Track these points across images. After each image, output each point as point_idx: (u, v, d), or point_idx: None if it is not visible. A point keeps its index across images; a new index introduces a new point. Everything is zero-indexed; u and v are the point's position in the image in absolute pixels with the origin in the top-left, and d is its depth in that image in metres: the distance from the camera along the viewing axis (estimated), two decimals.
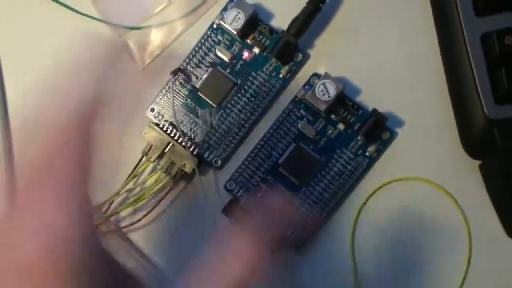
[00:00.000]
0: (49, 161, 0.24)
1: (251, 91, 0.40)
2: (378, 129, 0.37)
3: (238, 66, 0.40)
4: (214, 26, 0.40)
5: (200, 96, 0.40)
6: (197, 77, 0.40)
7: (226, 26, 0.39)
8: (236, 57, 0.40)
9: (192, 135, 0.40)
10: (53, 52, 0.42)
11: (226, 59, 0.40)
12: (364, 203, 0.38)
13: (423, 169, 0.38)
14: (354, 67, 0.39)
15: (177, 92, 0.40)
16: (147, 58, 0.42)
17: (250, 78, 0.40)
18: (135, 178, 0.40)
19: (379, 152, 0.38)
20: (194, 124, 0.40)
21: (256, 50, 0.40)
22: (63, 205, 0.23)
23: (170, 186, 0.40)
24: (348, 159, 0.38)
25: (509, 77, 0.33)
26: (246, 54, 0.40)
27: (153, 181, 0.40)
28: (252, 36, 0.40)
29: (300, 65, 0.40)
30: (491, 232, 0.37)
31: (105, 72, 0.28)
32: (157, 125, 0.40)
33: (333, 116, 0.38)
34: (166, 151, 0.40)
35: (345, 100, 0.38)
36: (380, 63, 0.39)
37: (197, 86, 0.40)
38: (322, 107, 0.37)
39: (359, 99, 0.39)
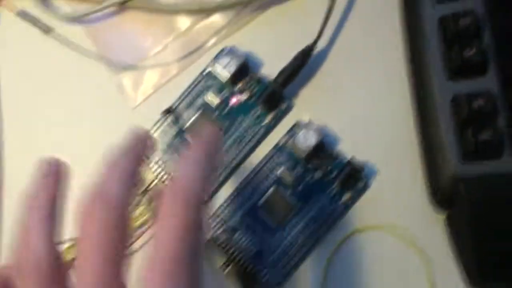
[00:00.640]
0: None
1: (236, 134, 0.41)
2: (353, 178, 0.39)
3: (226, 110, 0.42)
4: (206, 71, 0.42)
5: (188, 137, 0.42)
6: (186, 119, 0.42)
7: (218, 72, 0.41)
8: (225, 101, 0.42)
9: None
10: (49, 86, 0.44)
11: (215, 103, 0.42)
12: (336, 249, 0.39)
13: (394, 218, 0.39)
14: (335, 118, 0.41)
15: (166, 132, 0.42)
16: (139, 97, 0.44)
17: (236, 122, 0.41)
18: None
19: (353, 200, 0.39)
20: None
21: (244, 96, 0.42)
22: None
23: (152, 221, 0.41)
24: (324, 205, 0.39)
25: (475, 137, 0.35)
26: (234, 100, 0.42)
27: (136, 215, 0.41)
28: (241, 83, 0.42)
29: (284, 113, 0.41)
30: (454, 283, 0.37)
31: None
32: None
33: (312, 163, 0.40)
34: (151, 187, 0.41)
35: (324, 149, 0.40)
36: (359, 116, 0.41)
37: (186, 127, 0.42)
38: (302, 154, 0.39)
39: (338, 148, 0.40)
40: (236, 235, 0.40)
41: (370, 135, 0.41)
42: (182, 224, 0.26)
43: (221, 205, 0.40)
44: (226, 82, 0.42)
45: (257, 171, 0.41)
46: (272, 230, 0.40)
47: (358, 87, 0.42)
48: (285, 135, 0.41)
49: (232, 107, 0.42)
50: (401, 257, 0.39)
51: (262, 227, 0.40)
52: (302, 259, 0.39)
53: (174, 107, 0.42)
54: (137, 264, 0.40)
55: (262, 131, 0.41)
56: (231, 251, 0.40)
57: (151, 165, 0.41)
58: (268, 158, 0.41)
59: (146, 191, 0.41)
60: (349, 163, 0.39)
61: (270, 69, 0.42)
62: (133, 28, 0.45)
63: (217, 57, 0.42)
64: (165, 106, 0.42)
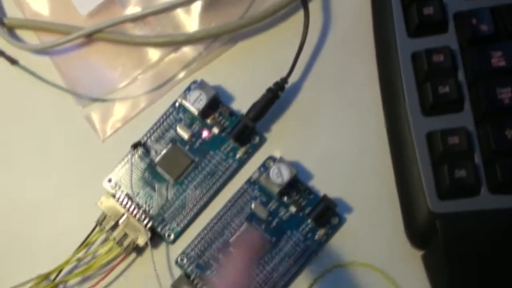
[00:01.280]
0: None
1: (208, 169, 0.41)
2: (327, 214, 0.38)
3: (197, 144, 0.41)
4: (177, 104, 0.42)
5: (158, 171, 0.41)
6: (156, 152, 0.41)
7: (188, 105, 0.41)
8: (196, 135, 0.41)
9: (147, 208, 0.40)
10: (15, 117, 0.43)
11: (186, 136, 0.41)
12: (312, 286, 0.39)
13: (369, 255, 0.38)
14: (308, 153, 0.41)
15: (136, 165, 0.41)
16: (108, 130, 0.43)
17: (208, 156, 0.41)
18: (87, 247, 0.40)
19: (328, 236, 0.39)
20: (150, 197, 0.41)
21: (215, 130, 0.41)
22: None
23: (121, 257, 0.40)
24: (298, 241, 0.39)
25: (451, 174, 0.35)
26: (205, 134, 0.41)
27: (104, 251, 0.40)
28: (212, 116, 0.41)
29: (256, 147, 0.41)
30: None
31: None
32: (114, 196, 0.41)
33: (285, 198, 0.39)
34: (120, 222, 0.40)
35: (297, 184, 0.39)
36: (333, 151, 0.41)
37: (156, 161, 0.41)
38: (276, 189, 0.39)
39: (311, 183, 0.40)
40: (208, 272, 0.39)
41: (345, 170, 0.40)
42: None
43: (193, 241, 0.40)
44: (197, 115, 0.41)
45: (229, 206, 0.40)
46: None
47: (333, 121, 0.41)
48: (258, 169, 0.40)
49: (203, 141, 0.41)
50: None
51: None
52: None
53: (143, 140, 0.41)
54: None
55: (234, 165, 0.41)
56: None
57: (121, 199, 0.40)
58: (241, 193, 0.40)
59: (116, 225, 0.40)
60: (323, 199, 0.38)
61: (242, 103, 0.42)
62: (101, 60, 0.44)
63: (187, 90, 0.42)
64: (135, 139, 0.41)
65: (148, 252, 0.40)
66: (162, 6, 0.43)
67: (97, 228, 0.40)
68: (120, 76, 0.44)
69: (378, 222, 0.39)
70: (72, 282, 0.41)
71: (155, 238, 0.40)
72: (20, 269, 0.41)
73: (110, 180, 0.41)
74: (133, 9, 0.44)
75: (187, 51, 0.43)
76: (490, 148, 0.35)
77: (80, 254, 0.40)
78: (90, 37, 0.44)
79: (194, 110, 0.41)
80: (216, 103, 0.41)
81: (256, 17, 0.42)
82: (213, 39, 0.43)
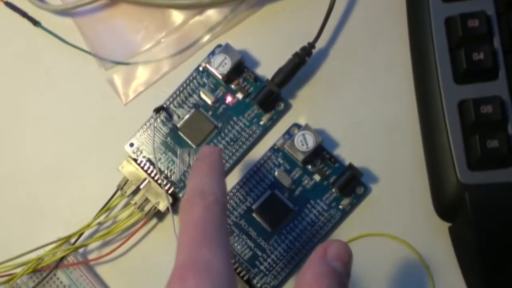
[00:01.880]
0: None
1: (231, 135, 0.40)
2: (353, 184, 0.38)
3: (221, 109, 0.40)
4: (200, 68, 0.41)
5: (180, 136, 0.40)
6: (179, 117, 0.41)
7: (212, 70, 0.40)
8: (219, 100, 0.41)
9: (169, 174, 0.40)
10: (38, 79, 0.43)
11: (209, 101, 0.40)
12: None
13: (394, 226, 0.38)
14: (334, 121, 0.40)
15: (158, 130, 0.41)
16: (130, 94, 0.42)
17: (231, 122, 0.40)
18: (108, 212, 0.40)
19: (352, 206, 0.38)
20: (171, 162, 0.40)
21: (239, 95, 0.40)
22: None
23: (142, 222, 0.40)
24: (322, 210, 0.38)
25: (482, 145, 0.34)
26: (229, 99, 0.40)
27: (125, 216, 0.40)
28: (236, 81, 0.40)
29: (281, 114, 0.40)
30: None
31: None
32: (135, 160, 0.40)
33: (309, 166, 0.39)
34: (141, 187, 0.40)
35: (322, 153, 0.39)
36: (360, 120, 0.40)
37: (178, 126, 0.40)
38: (300, 157, 0.38)
39: (336, 152, 0.39)
40: (230, 238, 0.39)
41: (371, 139, 0.39)
42: None
43: None
44: (221, 80, 0.40)
45: (252, 173, 0.39)
46: (267, 234, 0.39)
47: (360, 88, 0.40)
48: (282, 136, 0.40)
49: (227, 106, 0.40)
50: (403, 266, 0.38)
51: (257, 231, 0.39)
52: (298, 265, 0.38)
53: (166, 105, 0.41)
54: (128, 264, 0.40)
55: (258, 132, 0.40)
56: None
57: (143, 164, 0.40)
58: (264, 160, 0.39)
59: (137, 190, 0.40)
60: (349, 168, 0.38)
61: (267, 68, 0.41)
62: (124, 23, 0.43)
63: (211, 55, 0.41)
64: (157, 103, 0.41)
65: (169, 217, 0.40)
66: None
67: (118, 193, 0.40)
68: (143, 39, 0.43)
69: (404, 193, 0.38)
70: (92, 246, 0.41)
71: (177, 203, 0.40)
72: (42, 232, 0.41)
73: (132, 145, 0.41)
74: None
75: (212, 14, 0.42)
76: None
77: (101, 219, 0.40)
78: None
79: (218, 75, 0.40)
80: (241, 67, 0.40)
81: None
82: (239, 1, 0.42)
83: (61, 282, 0.40)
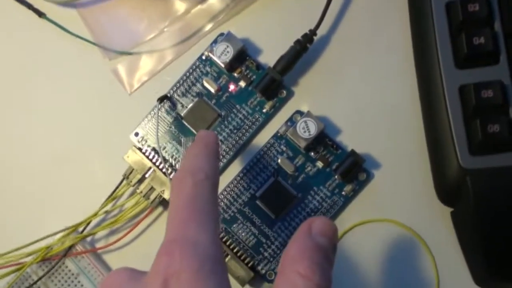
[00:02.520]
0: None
1: (234, 123, 0.40)
2: (355, 170, 0.38)
3: (224, 98, 0.41)
4: (203, 57, 0.41)
5: (184, 125, 0.41)
6: (182, 106, 0.41)
7: (215, 58, 0.40)
8: (222, 89, 0.41)
9: (174, 162, 0.40)
10: (44, 70, 0.44)
11: (212, 90, 0.41)
12: (338, 242, 0.38)
13: (397, 212, 0.38)
14: (336, 108, 0.40)
15: (162, 119, 0.41)
16: (135, 84, 0.43)
17: (234, 110, 0.40)
18: (114, 201, 0.41)
19: (355, 192, 0.38)
20: (176, 151, 0.40)
21: (242, 83, 0.41)
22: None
23: (148, 210, 0.40)
24: (325, 197, 0.39)
25: (484, 129, 0.34)
26: (232, 87, 0.41)
27: (131, 204, 0.40)
28: (239, 70, 0.41)
29: (284, 101, 0.40)
30: (459, 279, 0.37)
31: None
32: (140, 149, 0.41)
33: (312, 153, 0.39)
34: (146, 176, 0.40)
35: (325, 139, 0.39)
36: (362, 106, 0.40)
37: (182, 115, 0.41)
38: (303, 144, 0.38)
39: (339, 139, 0.39)
40: (235, 225, 0.39)
41: (373, 126, 0.39)
42: None
43: (219, 195, 0.39)
44: (224, 68, 0.40)
45: (255, 160, 0.40)
46: (271, 221, 0.39)
47: (362, 75, 0.40)
48: (285, 124, 0.40)
49: (230, 95, 0.41)
50: (405, 251, 0.38)
51: (261, 218, 0.39)
52: None
53: (170, 94, 0.41)
54: (135, 252, 0.41)
55: (260, 119, 0.40)
56: (229, 242, 0.39)
57: (148, 153, 0.40)
58: (267, 147, 0.40)
59: (142, 179, 0.40)
60: (351, 154, 0.38)
61: (269, 56, 0.41)
62: (127, 13, 0.43)
63: (213, 43, 0.41)
64: (161, 92, 0.41)
65: None
66: None
67: (124, 182, 0.40)
68: (147, 29, 0.43)
69: (407, 179, 0.39)
70: (100, 234, 0.41)
71: None
72: (50, 221, 0.41)
73: (136, 134, 0.41)
74: None
75: (214, 2, 0.43)
76: None
77: (108, 207, 0.40)
78: None
79: (221, 63, 0.40)
80: (243, 56, 0.41)
81: None
82: None
83: (70, 271, 0.40)
